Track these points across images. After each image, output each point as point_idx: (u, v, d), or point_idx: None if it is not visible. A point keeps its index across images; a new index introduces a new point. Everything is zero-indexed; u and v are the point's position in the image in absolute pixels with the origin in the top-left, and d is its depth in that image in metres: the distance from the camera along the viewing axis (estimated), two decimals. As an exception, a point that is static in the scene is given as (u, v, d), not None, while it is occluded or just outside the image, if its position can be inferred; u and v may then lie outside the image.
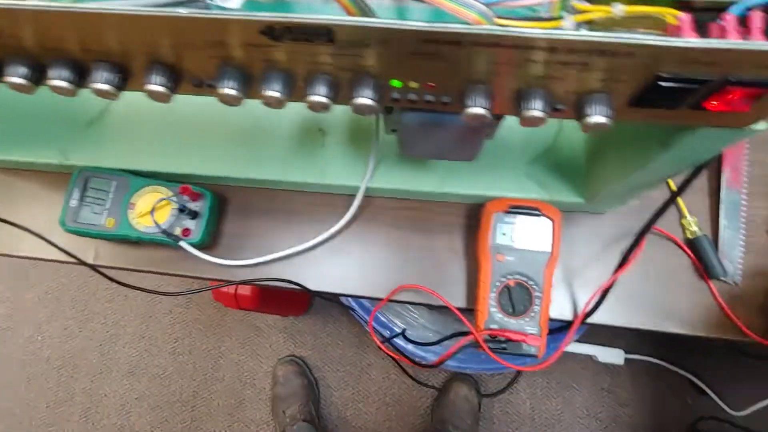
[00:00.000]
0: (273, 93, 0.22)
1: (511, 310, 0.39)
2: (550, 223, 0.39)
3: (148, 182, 0.42)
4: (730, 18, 0.21)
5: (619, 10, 0.22)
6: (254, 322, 1.06)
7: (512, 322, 0.39)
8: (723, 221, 0.41)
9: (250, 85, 0.23)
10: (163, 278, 1.06)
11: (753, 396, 0.95)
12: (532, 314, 0.39)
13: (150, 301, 1.08)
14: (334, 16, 0.19)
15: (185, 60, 0.22)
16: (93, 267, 0.42)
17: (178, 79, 0.23)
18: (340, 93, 0.23)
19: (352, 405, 1.01)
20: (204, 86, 0.24)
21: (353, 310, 0.79)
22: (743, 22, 0.21)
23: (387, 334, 0.89)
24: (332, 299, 0.46)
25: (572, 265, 0.42)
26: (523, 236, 0.39)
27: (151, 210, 0.39)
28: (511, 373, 1.01)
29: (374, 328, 0.90)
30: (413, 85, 0.23)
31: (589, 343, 0.98)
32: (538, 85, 0.21)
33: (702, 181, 0.43)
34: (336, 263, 0.43)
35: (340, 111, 0.42)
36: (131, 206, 0.41)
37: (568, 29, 0.23)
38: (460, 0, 0.21)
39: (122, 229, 0.41)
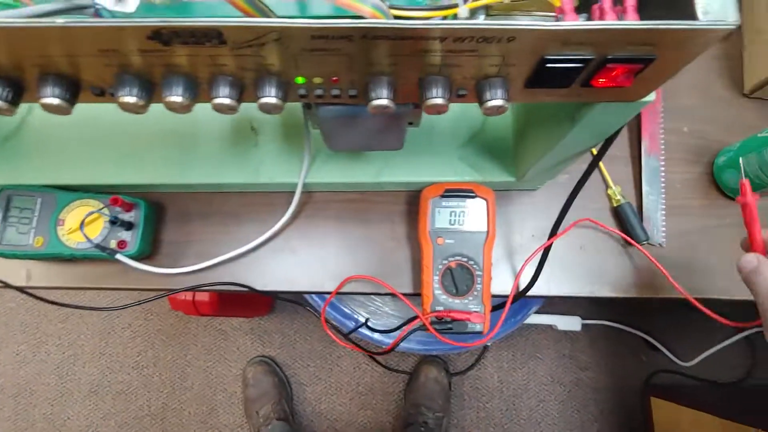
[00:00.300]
0: (175, 98, 0.22)
1: (454, 290, 0.40)
2: (485, 203, 0.40)
3: (76, 196, 0.40)
4: (607, -1, 0.22)
5: (510, -6, 0.23)
6: (219, 327, 1.04)
7: (457, 303, 0.40)
8: (645, 187, 0.44)
9: (151, 91, 0.23)
10: (115, 293, 1.03)
11: (700, 346, 1.03)
12: (475, 293, 0.40)
13: (107, 318, 1.05)
14: (224, 17, 0.19)
15: (79, 70, 0.22)
16: (21, 289, 0.40)
17: (75, 90, 0.23)
18: (245, 93, 0.23)
19: (325, 398, 1.01)
20: (106, 95, 0.24)
21: (312, 306, 0.79)
22: (619, 1, 0.22)
23: (352, 324, 0.90)
24: (293, 300, 0.46)
25: (511, 241, 0.44)
26: (460, 218, 0.40)
27: (80, 225, 0.38)
28: (478, 350, 1.04)
29: (338, 320, 0.91)
30: (318, 80, 0.23)
31: (549, 313, 1.02)
32: (437, 73, 0.22)
33: (624, 151, 0.46)
34: (282, 261, 0.43)
35: (271, 108, 0.42)
36: (60, 222, 0.40)
37: (463, 17, 0.23)
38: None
39: (52, 247, 0.39)
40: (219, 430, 1.00)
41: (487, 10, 0.25)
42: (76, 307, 0.42)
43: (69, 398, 1.02)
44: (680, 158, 0.45)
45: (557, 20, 0.22)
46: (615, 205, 0.44)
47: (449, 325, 0.40)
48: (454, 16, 0.23)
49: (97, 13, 0.23)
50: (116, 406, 1.01)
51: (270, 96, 0.22)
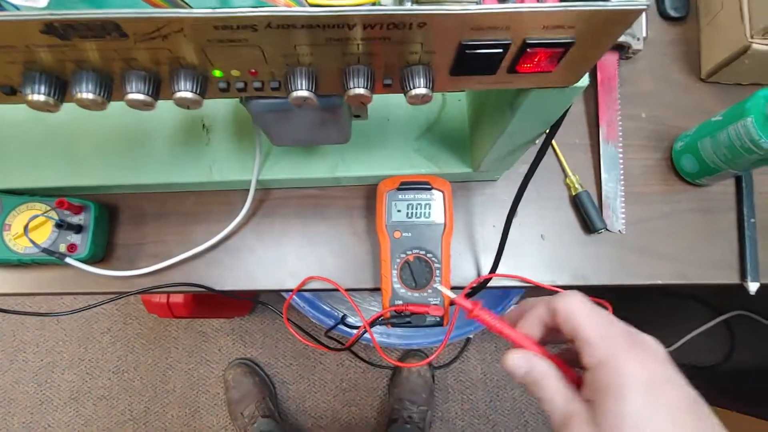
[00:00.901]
0: (87, 95, 0.21)
1: (413, 284, 0.40)
2: (441, 194, 0.40)
3: (22, 200, 0.39)
4: (528, -19, 0.21)
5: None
6: (200, 329, 1.03)
7: (416, 296, 0.40)
8: (604, 175, 0.44)
9: (63, 89, 0.22)
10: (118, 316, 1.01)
11: (678, 331, 1.03)
12: (435, 285, 0.40)
13: (85, 323, 1.03)
14: (128, 9, 0.18)
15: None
16: None
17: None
18: (161, 88, 0.22)
19: (310, 396, 1.01)
20: (18, 94, 0.23)
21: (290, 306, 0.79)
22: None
23: (331, 322, 0.89)
24: (260, 300, 0.45)
25: (473, 233, 0.44)
26: (417, 211, 0.40)
27: (24, 228, 0.37)
28: (461, 342, 1.04)
29: (318, 318, 0.90)
30: (236, 73, 0.22)
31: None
32: (357, 62, 0.21)
33: (583, 139, 0.45)
34: (240, 260, 0.43)
35: (221, 104, 0.41)
36: (6, 227, 0.39)
37: (386, 3, 0.23)
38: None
39: (-2, 253, 0.38)
40: (202, 432, 0.99)
41: (415, -4, 0.24)
42: (14, 312, 0.41)
43: (49, 405, 1.00)
44: (639, 145, 0.45)
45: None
46: (573, 193, 0.44)
47: (407, 319, 0.40)
48: (377, 4, 0.22)
49: (0, 8, 0.22)
50: (98, 411, 1.00)
51: (185, 90, 0.21)
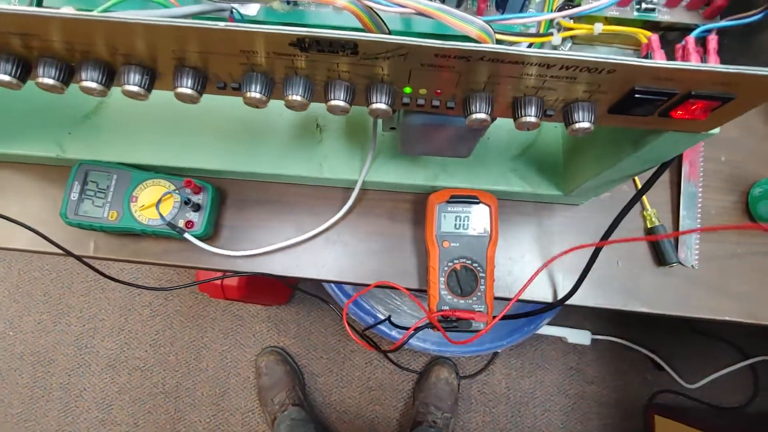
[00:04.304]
0: (296, 97, 0.24)
1: (459, 291, 0.42)
2: (488, 209, 0.42)
3: (149, 176, 0.43)
4: (690, 40, 0.24)
5: (599, 28, 0.26)
6: (237, 312, 1.07)
7: (461, 303, 0.42)
8: (683, 211, 0.46)
9: (273, 89, 0.25)
10: (140, 272, 1.06)
11: (704, 370, 1.05)
12: (479, 293, 0.42)
13: (128, 294, 1.07)
14: (358, 32, 0.21)
15: (213, 65, 0.24)
16: (79, 258, 0.43)
17: (204, 82, 0.25)
18: (356, 97, 0.25)
19: (336, 390, 1.04)
20: (228, 89, 0.26)
21: (331, 302, 0.82)
22: (701, 41, 0.25)
23: (370, 320, 0.92)
24: (320, 296, 0.48)
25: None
26: (465, 223, 0.42)
27: (156, 203, 0.41)
28: (488, 355, 1.06)
29: (358, 315, 0.93)
30: (423, 91, 0.25)
31: (560, 325, 1.04)
32: (533, 94, 0.24)
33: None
34: (331, 252, 0.46)
35: (336, 108, 0.44)
36: (134, 199, 0.42)
37: (556, 43, 0.26)
38: (462, 16, 0.24)
39: (125, 221, 0.42)
40: (230, 413, 1.02)
41: (573, 38, 0.27)
42: (129, 284, 0.44)
43: (86, 370, 1.04)
44: (717, 186, 0.48)
45: (644, 56, 0.25)
46: (650, 226, 0.46)
47: (455, 324, 0.42)
48: (545, 44, 0.25)
49: (232, 16, 0.25)
50: (132, 381, 1.04)
51: (381, 102, 0.25)
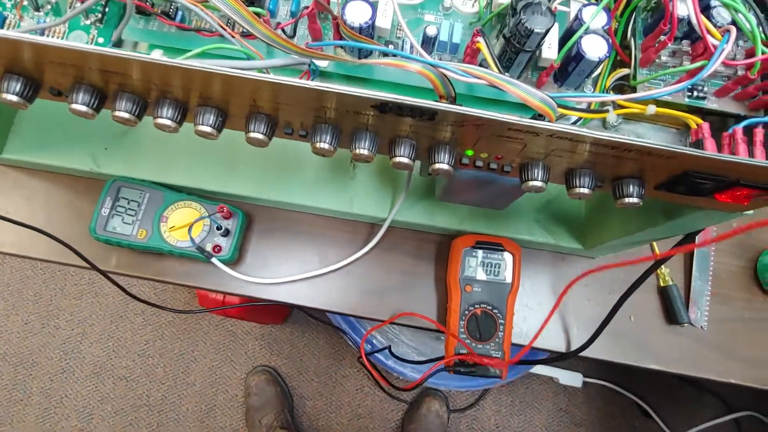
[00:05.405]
0: (363, 151, 0.25)
1: (478, 336, 0.43)
2: (512, 257, 0.43)
3: (181, 197, 0.43)
4: (738, 131, 0.26)
5: (652, 110, 0.27)
6: (231, 328, 1.05)
7: (479, 347, 0.43)
8: (695, 273, 0.48)
9: (340, 140, 0.26)
10: (156, 290, 1.04)
11: (691, 420, 1.06)
12: (497, 340, 0.43)
13: (122, 301, 1.05)
14: (438, 102, 0.22)
15: (288, 113, 0.25)
16: (104, 273, 0.43)
17: (274, 128, 0.26)
18: (419, 154, 0.26)
19: (324, 416, 1.02)
20: (295, 134, 0.27)
21: (343, 330, 0.81)
22: (748, 131, 0.26)
23: (368, 347, 0.92)
24: (332, 324, 0.48)
25: (566, 302, 0.47)
26: (488, 269, 0.43)
27: (189, 226, 0.41)
28: (479, 390, 1.06)
29: (355, 341, 0.93)
30: (484, 155, 0.26)
31: (552, 365, 1.05)
32: (589, 167, 0.26)
33: (678, 236, 0.50)
34: (352, 286, 0.46)
35: (371, 146, 0.45)
36: (164, 219, 0.42)
37: (611, 120, 0.27)
38: (528, 90, 0.25)
39: (154, 241, 0.42)
40: (214, 431, 1.00)
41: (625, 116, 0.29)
42: (155, 305, 0.44)
43: (70, 376, 1.01)
44: (727, 250, 0.50)
45: (694, 141, 0.26)
46: (663, 284, 0.48)
47: (472, 368, 0.43)
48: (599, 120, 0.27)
49: (309, 69, 0.26)
50: (115, 391, 1.01)
51: (443, 162, 0.26)
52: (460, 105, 0.23)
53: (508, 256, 0.43)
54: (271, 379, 1.00)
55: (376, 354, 0.96)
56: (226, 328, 1.05)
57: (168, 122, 0.25)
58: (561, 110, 0.26)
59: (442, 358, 0.46)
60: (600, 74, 0.29)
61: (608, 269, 0.48)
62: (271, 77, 0.22)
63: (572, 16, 0.30)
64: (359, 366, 1.04)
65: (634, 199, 0.26)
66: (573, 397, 1.08)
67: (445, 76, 0.25)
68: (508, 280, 0.43)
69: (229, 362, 1.04)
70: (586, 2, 0.29)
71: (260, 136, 0.25)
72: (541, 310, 0.47)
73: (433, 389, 1.03)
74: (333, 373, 1.04)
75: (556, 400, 1.07)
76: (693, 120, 0.27)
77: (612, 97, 0.26)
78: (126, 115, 0.25)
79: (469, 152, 0.26)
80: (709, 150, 0.25)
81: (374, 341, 0.91)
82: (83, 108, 0.24)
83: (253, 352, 1.05)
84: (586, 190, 0.26)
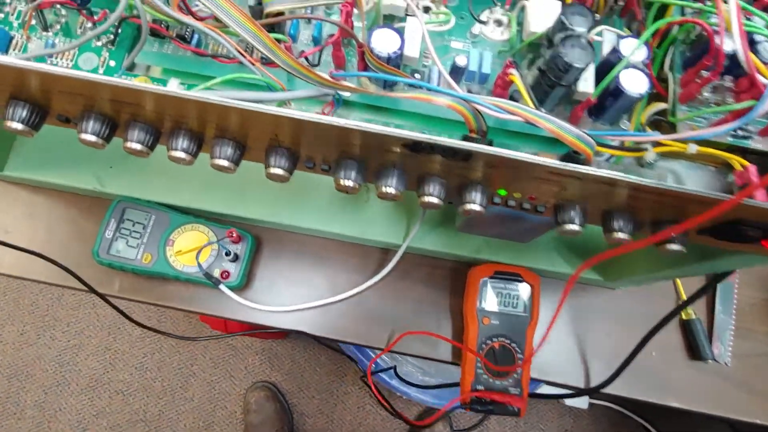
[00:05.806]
0: (390, 189, 0.24)
1: (495, 371, 0.41)
2: (530, 288, 0.41)
3: (188, 220, 0.41)
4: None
5: (694, 149, 0.26)
6: (231, 342, 1.03)
7: (497, 383, 0.41)
8: (718, 306, 0.46)
9: (366, 176, 0.24)
10: (157, 309, 1.02)
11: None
12: (516, 375, 0.41)
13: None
14: (473, 144, 0.21)
15: (310, 148, 0.24)
16: (103, 296, 0.41)
17: (295, 161, 0.25)
18: (449, 193, 0.25)
19: (324, 434, 1.00)
20: (317, 168, 0.25)
21: (349, 356, 0.79)
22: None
23: (372, 366, 0.89)
24: (332, 346, 0.46)
25: (584, 335, 0.46)
26: (506, 300, 0.41)
27: (197, 252, 0.39)
28: (483, 411, 1.04)
29: (360, 360, 0.91)
30: (517, 195, 0.25)
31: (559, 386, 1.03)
32: (629, 211, 0.24)
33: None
34: (363, 313, 0.44)
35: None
36: (170, 243, 0.41)
37: (650, 159, 0.26)
38: (564, 126, 0.24)
39: (159, 266, 0.40)
40: (212, 449, 0.98)
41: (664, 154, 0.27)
42: (156, 330, 0.42)
43: (65, 389, 0.99)
44: (751, 283, 0.48)
45: (740, 185, 0.25)
46: (685, 318, 0.46)
47: (490, 406, 0.41)
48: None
49: (333, 100, 0.25)
50: (112, 405, 0.99)
51: (474, 203, 0.24)
52: (491, 142, 0.21)
53: (526, 287, 0.42)
54: (270, 395, 0.97)
55: (380, 374, 0.94)
56: (226, 342, 1.03)
57: (182, 155, 0.23)
58: (597, 147, 0.25)
59: (452, 384, 0.44)
60: (635, 108, 0.28)
61: (627, 302, 0.46)
62: (294, 112, 0.20)
63: (605, 45, 0.28)
64: (361, 383, 1.02)
65: (678, 247, 0.24)
66: (578, 419, 1.05)
67: (478, 111, 0.23)
68: (527, 312, 0.41)
69: (228, 377, 1.02)
70: (624, 34, 0.28)
71: (281, 172, 0.24)
72: (559, 342, 0.45)
73: (436, 409, 1.01)
74: (334, 390, 1.02)
75: (562, 421, 1.05)
76: (737, 161, 0.25)
77: (656, 137, 0.24)
78: (138, 147, 0.23)
79: (502, 192, 0.25)
80: (760, 197, 0.24)
81: (379, 360, 0.89)
82: (92, 138, 0.23)
83: (253, 367, 1.02)
84: (623, 236, 0.24)
